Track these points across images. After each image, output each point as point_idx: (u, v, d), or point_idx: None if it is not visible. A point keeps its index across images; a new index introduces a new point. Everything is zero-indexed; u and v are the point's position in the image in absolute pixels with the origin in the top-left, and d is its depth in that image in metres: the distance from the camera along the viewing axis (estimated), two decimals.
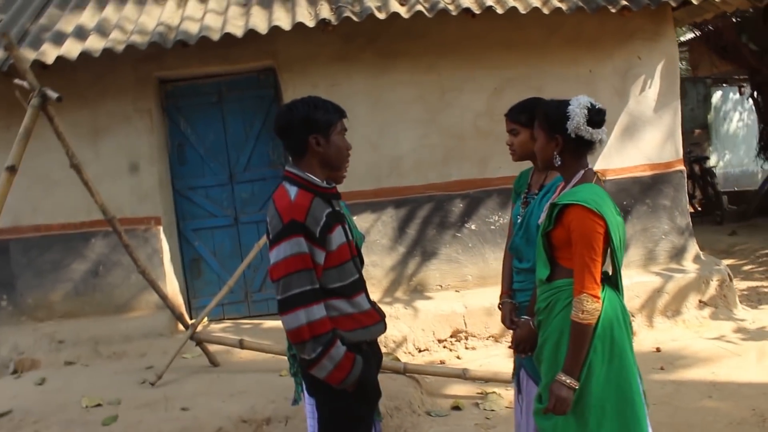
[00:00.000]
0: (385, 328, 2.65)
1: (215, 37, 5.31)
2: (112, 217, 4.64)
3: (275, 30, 5.41)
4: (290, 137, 2.51)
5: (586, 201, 2.38)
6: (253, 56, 5.95)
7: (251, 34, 5.38)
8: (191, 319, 6.23)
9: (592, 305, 2.32)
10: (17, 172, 3.93)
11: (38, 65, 5.41)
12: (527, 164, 3.11)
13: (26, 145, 4.07)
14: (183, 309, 6.20)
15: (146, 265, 5.96)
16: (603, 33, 6.05)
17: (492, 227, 6.07)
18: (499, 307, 3.15)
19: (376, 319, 2.59)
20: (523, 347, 2.83)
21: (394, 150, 6.04)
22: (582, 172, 2.53)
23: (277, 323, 6.00)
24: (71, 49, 5.39)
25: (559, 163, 2.54)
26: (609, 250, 2.45)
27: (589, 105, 2.47)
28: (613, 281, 2.53)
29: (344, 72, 5.97)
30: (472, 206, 6.08)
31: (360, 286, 2.58)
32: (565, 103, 2.52)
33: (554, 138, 2.51)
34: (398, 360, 5.14)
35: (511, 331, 3.00)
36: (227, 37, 5.38)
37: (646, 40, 6.12)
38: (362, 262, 3.00)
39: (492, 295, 5.87)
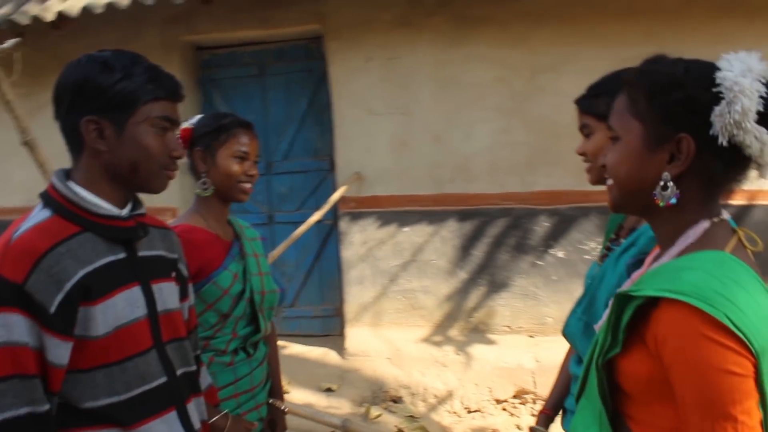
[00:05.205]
0: None
1: None
2: None
3: None
4: (59, 117, 1.40)
5: (702, 296, 1.02)
6: (296, 19, 4.80)
7: None
8: None
9: None
10: None
11: (50, 25, 4.66)
12: None
13: None
14: None
15: None
16: None
17: (586, 257, 4.53)
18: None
19: None
20: None
21: (463, 146, 4.66)
22: (705, 224, 1.14)
23: (305, 350, 4.93)
24: (75, 4, 4.52)
25: (674, 199, 1.13)
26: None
27: (765, 78, 1.09)
28: None
29: (407, 42, 4.66)
30: (561, 227, 4.58)
31: (164, 401, 1.41)
32: (704, 67, 1.14)
33: (671, 139, 1.12)
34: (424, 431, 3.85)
35: None
36: None
37: None
38: (257, 329, 1.99)
39: None
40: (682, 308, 1.02)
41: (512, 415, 4.32)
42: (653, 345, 1.06)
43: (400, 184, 4.73)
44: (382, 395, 4.37)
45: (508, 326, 4.66)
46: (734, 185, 1.18)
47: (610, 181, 1.24)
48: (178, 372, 1.48)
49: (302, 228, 4.35)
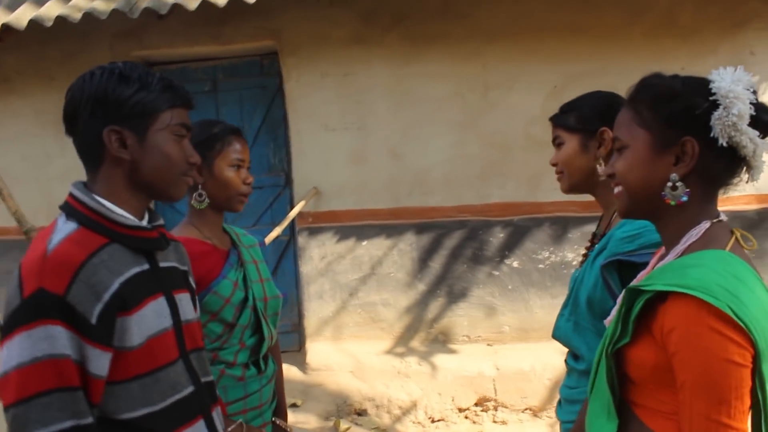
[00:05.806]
0: None
1: (192, 5, 4.17)
2: (30, 229, 3.58)
3: (274, 1, 4.25)
4: (75, 130, 1.38)
5: (707, 289, 1.10)
6: (250, 35, 4.80)
7: (242, 5, 4.22)
8: None
9: None
10: None
11: None
12: None
13: None
14: None
15: None
16: (703, 20, 4.58)
17: (540, 266, 4.69)
18: None
19: None
20: None
21: (419, 160, 4.75)
22: (706, 224, 1.24)
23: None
24: (22, 16, 4.38)
25: (685, 197, 1.24)
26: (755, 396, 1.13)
27: (752, 87, 1.22)
28: None
29: (362, 59, 4.73)
30: (515, 237, 4.72)
31: (193, 410, 1.42)
32: (699, 80, 1.26)
33: (676, 143, 1.23)
34: None
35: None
36: (214, 10, 4.24)
37: (762, 29, 4.60)
38: (261, 340, 1.98)
39: (534, 353, 4.57)
40: (689, 301, 1.11)
41: (474, 422, 4.40)
42: (659, 335, 1.15)
43: (358, 198, 4.77)
44: (346, 408, 4.37)
45: (467, 336, 4.75)
46: (728, 187, 1.30)
47: (618, 189, 1.34)
48: (202, 381, 1.49)
49: None
